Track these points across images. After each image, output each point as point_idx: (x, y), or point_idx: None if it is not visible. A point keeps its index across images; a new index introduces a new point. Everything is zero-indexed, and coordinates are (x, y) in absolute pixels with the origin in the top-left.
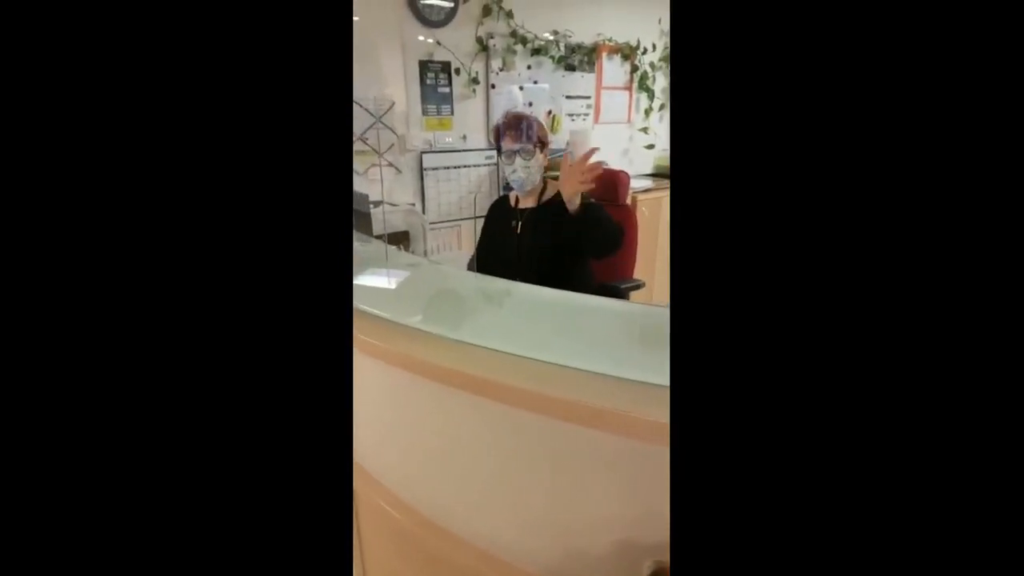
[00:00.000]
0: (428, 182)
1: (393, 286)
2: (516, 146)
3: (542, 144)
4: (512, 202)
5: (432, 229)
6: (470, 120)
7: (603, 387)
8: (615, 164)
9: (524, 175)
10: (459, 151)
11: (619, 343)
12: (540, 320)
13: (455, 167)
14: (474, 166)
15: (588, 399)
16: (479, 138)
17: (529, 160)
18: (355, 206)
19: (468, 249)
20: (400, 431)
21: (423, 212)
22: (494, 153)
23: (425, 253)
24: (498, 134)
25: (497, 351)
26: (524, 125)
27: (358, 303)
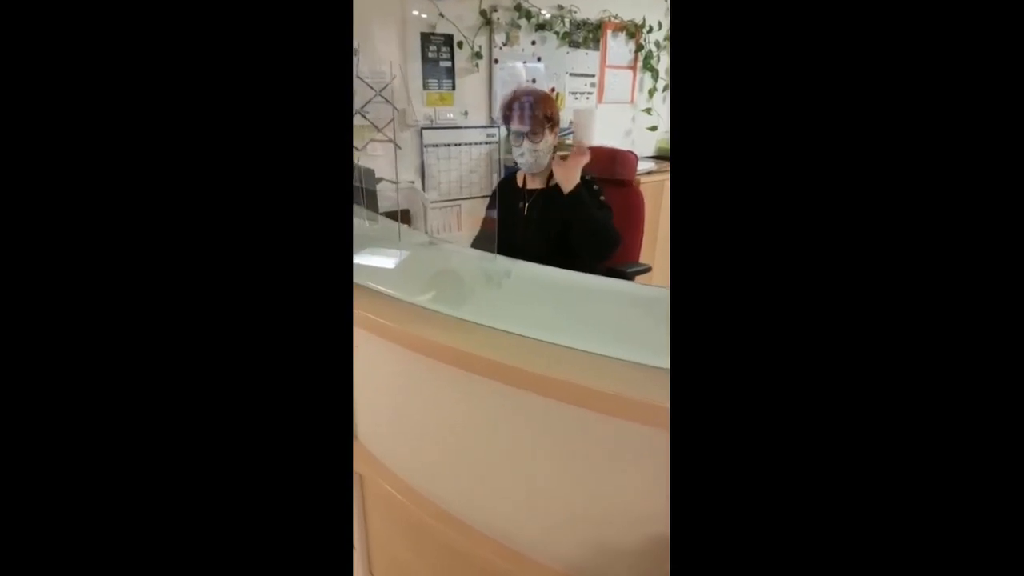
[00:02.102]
0: (428, 159)
1: (407, 266)
2: (524, 127)
3: (552, 123)
4: (520, 182)
5: (431, 208)
6: (472, 96)
7: (630, 374)
8: (617, 145)
9: (532, 158)
10: (460, 128)
11: (647, 329)
12: (563, 303)
13: (456, 144)
14: (475, 144)
15: (614, 387)
16: (481, 114)
17: (538, 142)
18: (363, 183)
19: (467, 229)
20: (413, 417)
21: (423, 190)
22: (495, 131)
23: (426, 233)
24: (506, 112)
25: (516, 335)
26: (533, 103)
27: (371, 282)
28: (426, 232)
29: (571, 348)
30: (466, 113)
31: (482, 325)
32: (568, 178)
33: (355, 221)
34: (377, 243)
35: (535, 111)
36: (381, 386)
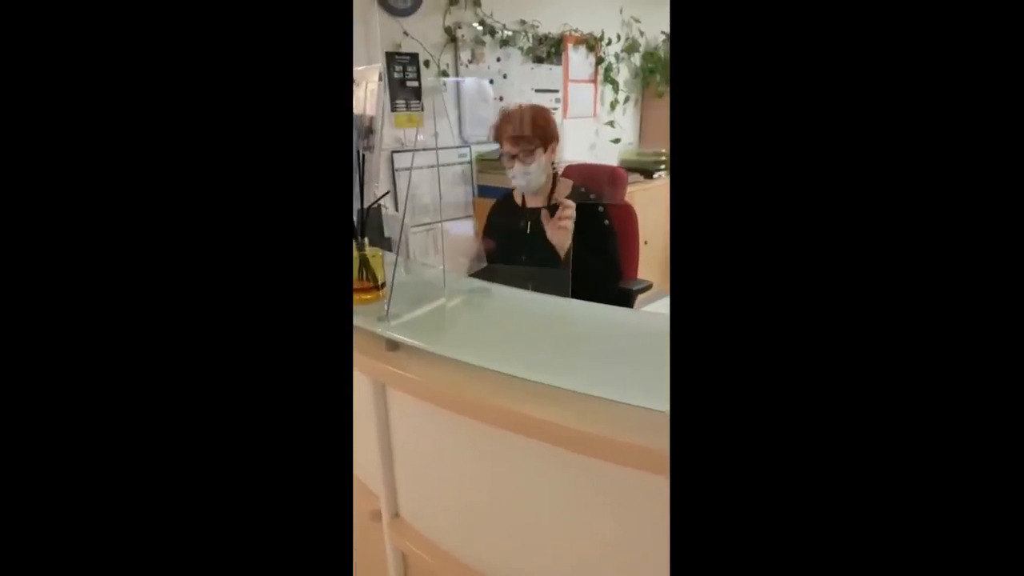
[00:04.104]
0: (400, 183)
1: (453, 316)
2: (514, 149)
3: (544, 140)
4: (519, 200)
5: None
6: (440, 115)
7: None
8: (583, 159)
9: (524, 181)
10: (431, 149)
11: None
12: (606, 348)
13: (429, 167)
14: (447, 165)
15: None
16: (451, 135)
17: (530, 164)
18: (401, 235)
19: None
20: (455, 482)
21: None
22: (467, 151)
23: (407, 259)
24: (496, 133)
25: (569, 391)
26: (522, 124)
27: (408, 337)
28: (407, 258)
29: (631, 405)
30: (436, 134)
31: (532, 381)
32: (562, 242)
33: (390, 270)
34: (416, 291)
35: (524, 131)
36: (420, 452)
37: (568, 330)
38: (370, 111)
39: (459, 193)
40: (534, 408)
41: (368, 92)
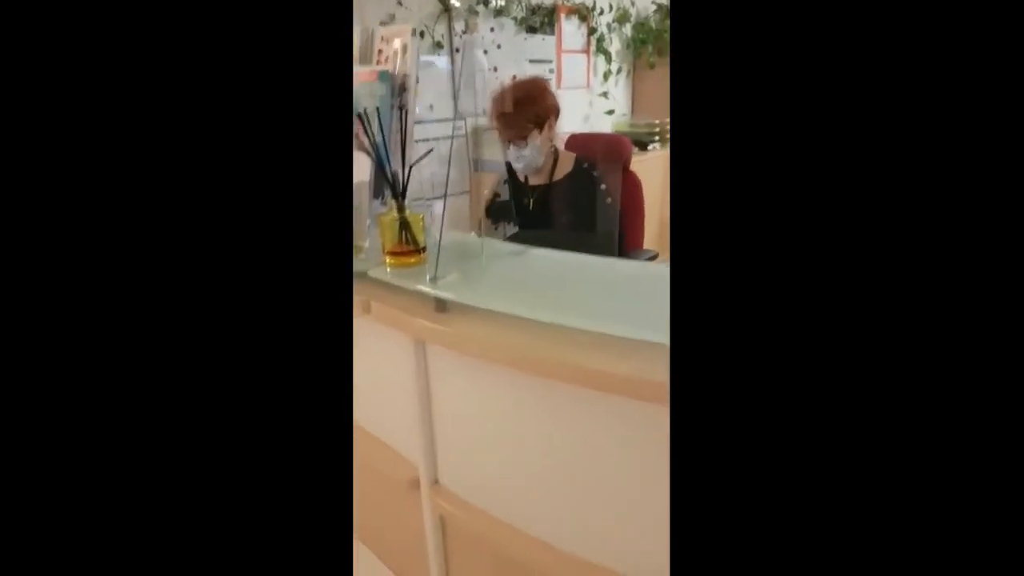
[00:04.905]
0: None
1: (497, 275)
2: (507, 132)
3: (539, 121)
4: (521, 177)
5: None
6: (435, 87)
7: None
8: (578, 131)
9: (522, 164)
10: (427, 122)
11: None
12: (648, 297)
13: (424, 140)
14: (443, 138)
15: None
16: (446, 107)
17: (523, 147)
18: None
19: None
20: (497, 441)
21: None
22: (462, 123)
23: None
24: (491, 116)
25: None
26: (515, 106)
27: (457, 296)
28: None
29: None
30: (432, 107)
31: (582, 330)
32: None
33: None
34: (453, 254)
35: (516, 116)
36: (466, 421)
37: (608, 283)
38: (403, 69)
39: (456, 168)
40: (588, 357)
41: (400, 49)
